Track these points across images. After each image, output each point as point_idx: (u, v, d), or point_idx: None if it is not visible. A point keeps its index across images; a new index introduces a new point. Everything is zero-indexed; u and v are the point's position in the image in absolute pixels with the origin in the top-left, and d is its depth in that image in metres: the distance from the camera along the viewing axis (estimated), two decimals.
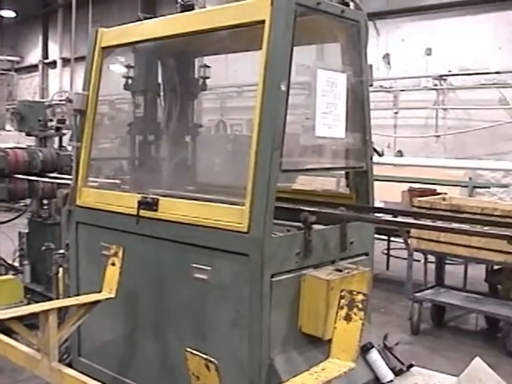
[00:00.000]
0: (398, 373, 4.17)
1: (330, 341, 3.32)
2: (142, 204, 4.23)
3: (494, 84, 13.77)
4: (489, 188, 12.48)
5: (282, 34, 3.60)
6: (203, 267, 3.88)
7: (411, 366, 4.29)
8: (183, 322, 4.12)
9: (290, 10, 3.63)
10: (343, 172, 4.62)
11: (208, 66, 5.45)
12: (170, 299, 4.19)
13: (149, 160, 5.40)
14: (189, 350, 2.90)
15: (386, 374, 4.10)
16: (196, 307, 4.00)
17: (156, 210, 4.18)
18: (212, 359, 2.80)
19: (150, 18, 4.67)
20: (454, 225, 4.44)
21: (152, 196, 4.24)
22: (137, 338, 4.48)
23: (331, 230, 4.05)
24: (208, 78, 5.51)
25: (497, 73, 13.54)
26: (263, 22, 3.65)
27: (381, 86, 15.17)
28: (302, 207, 4.02)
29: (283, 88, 3.56)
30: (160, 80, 5.53)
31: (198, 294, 3.96)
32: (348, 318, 3.20)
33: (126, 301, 4.44)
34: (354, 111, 4.21)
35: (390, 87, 15.46)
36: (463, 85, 14.39)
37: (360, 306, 3.19)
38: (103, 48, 4.79)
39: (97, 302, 4.27)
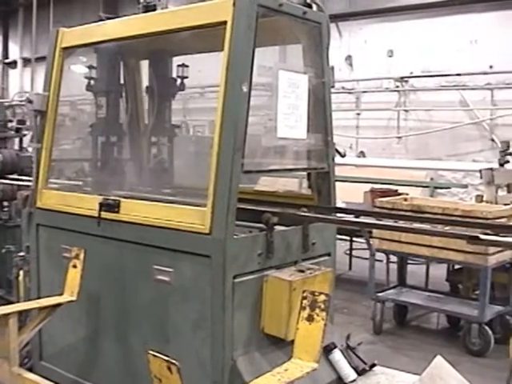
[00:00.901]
0: (360, 372, 4.19)
1: (292, 341, 3.33)
2: (104, 206, 4.20)
3: (454, 86, 13.94)
4: (450, 188, 12.65)
5: (243, 35, 3.60)
6: (165, 269, 3.86)
7: (374, 365, 4.31)
8: (145, 324, 4.09)
9: (252, 11, 3.63)
10: (305, 173, 4.63)
11: (186, 66, 5.38)
12: (131, 301, 4.17)
13: (111, 161, 5.36)
14: (151, 352, 2.89)
15: (348, 373, 4.12)
16: (158, 309, 3.97)
17: (117, 212, 4.16)
18: (174, 361, 2.78)
19: (111, 19, 4.64)
20: (416, 225, 4.48)
21: (113, 198, 4.21)
22: (99, 341, 4.44)
23: (293, 231, 4.06)
24: (186, 77, 5.44)
25: (457, 75, 13.71)
26: (225, 22, 3.65)
27: (343, 88, 15.26)
28: (264, 208, 4.03)
29: (245, 89, 3.56)
30: (122, 81, 5.49)
31: (160, 296, 3.94)
32: (310, 319, 3.21)
33: (87, 303, 4.41)
34: (316, 112, 4.22)
35: (352, 88, 15.56)
36: (424, 86, 14.55)
37: (322, 306, 3.20)
38: (64, 48, 4.74)
39: (58, 305, 4.23)
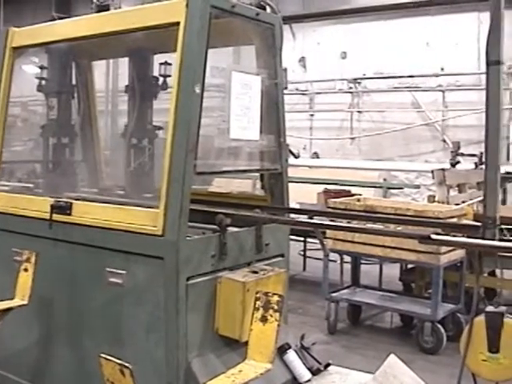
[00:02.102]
0: (315, 372, 4.20)
1: (247, 343, 3.33)
2: (55, 208, 4.15)
3: (406, 87, 14.11)
4: (402, 189, 12.81)
5: (196, 36, 3.60)
6: (118, 271, 3.83)
7: (328, 365, 4.33)
8: (99, 328, 4.05)
9: (205, 12, 3.63)
10: (258, 174, 4.64)
11: (169, 64, 5.26)
12: (84, 304, 4.12)
13: (63, 163, 5.30)
14: (103, 355, 2.87)
15: (303, 373, 4.13)
16: (111, 312, 3.94)
17: (69, 214, 4.11)
18: (126, 364, 2.77)
19: (64, 18, 4.59)
20: (369, 225, 4.52)
21: (65, 200, 4.17)
22: (51, 346, 4.38)
23: (246, 232, 4.06)
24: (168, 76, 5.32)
25: (410, 76, 13.89)
26: (178, 23, 3.64)
27: (297, 89, 15.33)
28: (217, 209, 4.03)
29: (197, 90, 3.56)
30: (74, 81, 5.43)
31: (114, 299, 3.91)
32: (264, 320, 3.22)
33: (39, 307, 4.34)
34: (269, 114, 4.23)
35: (306, 90, 15.63)
36: (377, 88, 14.70)
37: (276, 307, 3.21)
38: (14, 48, 4.68)
39: (9, 310, 4.16)
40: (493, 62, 3.25)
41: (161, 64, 5.13)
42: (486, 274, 7.16)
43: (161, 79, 5.04)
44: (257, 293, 3.29)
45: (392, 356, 4.16)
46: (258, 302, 3.24)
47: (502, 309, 3.32)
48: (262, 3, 4.19)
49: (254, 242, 4.10)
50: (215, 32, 3.68)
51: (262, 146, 4.27)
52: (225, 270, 3.85)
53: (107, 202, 4.10)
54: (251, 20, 4.08)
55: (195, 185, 3.72)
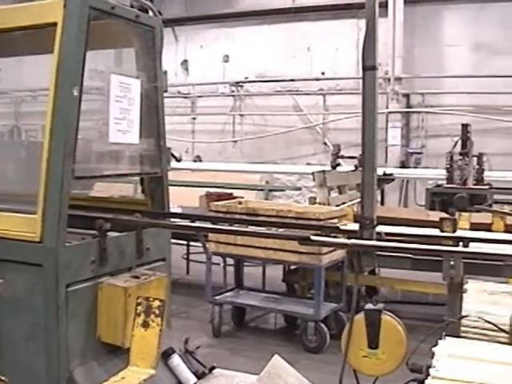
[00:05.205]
0: (200, 376, 4.22)
1: (130, 349, 3.30)
2: None
3: (288, 91, 14.35)
4: (284, 191, 13.01)
5: (74, 38, 3.53)
6: None
7: (213, 368, 4.36)
8: None
9: (84, 13, 3.57)
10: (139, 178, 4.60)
11: None
12: None
13: None
14: None
15: (188, 377, 4.13)
16: None
17: None
18: (2, 377, 2.68)
19: None
20: (251, 228, 4.56)
21: None
22: None
23: (127, 237, 4.02)
24: None
25: (291, 80, 14.14)
26: (55, 24, 3.57)
27: (179, 92, 15.30)
28: (96, 214, 3.96)
29: (75, 93, 3.50)
30: None
31: None
32: (145, 325, 3.20)
33: None
34: (149, 117, 4.21)
35: (188, 93, 15.62)
36: (259, 91, 14.86)
37: (157, 312, 3.20)
38: None
39: None
40: (369, 67, 3.35)
41: None
42: (366, 273, 7.34)
43: None
44: (138, 298, 3.26)
45: (276, 356, 4.21)
46: (139, 308, 3.22)
47: (380, 306, 3.43)
48: (143, 6, 4.16)
49: (134, 246, 4.06)
50: (94, 34, 3.63)
51: (142, 150, 4.25)
52: (106, 275, 3.79)
53: None
54: (131, 22, 4.05)
55: (75, 189, 3.63)
